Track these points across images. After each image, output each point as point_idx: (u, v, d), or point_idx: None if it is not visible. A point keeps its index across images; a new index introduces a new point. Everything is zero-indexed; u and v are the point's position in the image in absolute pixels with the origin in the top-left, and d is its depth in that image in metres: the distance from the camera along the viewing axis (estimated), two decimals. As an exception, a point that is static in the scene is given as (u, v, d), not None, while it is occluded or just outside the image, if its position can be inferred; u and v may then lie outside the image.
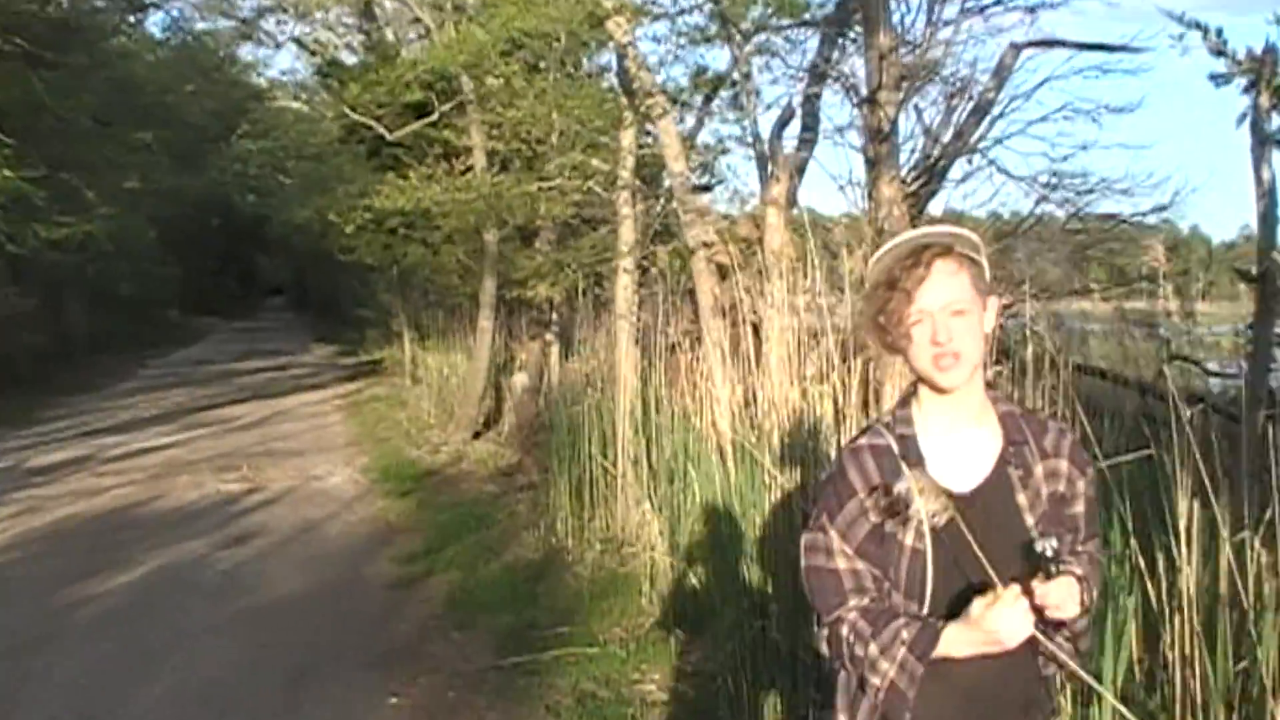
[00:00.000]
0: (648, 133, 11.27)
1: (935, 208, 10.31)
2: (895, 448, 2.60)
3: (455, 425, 15.47)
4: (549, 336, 15.24)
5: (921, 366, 2.52)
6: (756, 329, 7.83)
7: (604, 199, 11.25)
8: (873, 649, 2.49)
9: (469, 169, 14.32)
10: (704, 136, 13.55)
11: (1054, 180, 9.93)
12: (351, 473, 13.65)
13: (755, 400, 7.47)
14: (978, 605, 2.36)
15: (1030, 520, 2.52)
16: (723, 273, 9.26)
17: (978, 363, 2.53)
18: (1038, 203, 10.00)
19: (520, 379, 15.10)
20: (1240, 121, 5.96)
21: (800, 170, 9.44)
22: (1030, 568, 2.40)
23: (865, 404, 6.60)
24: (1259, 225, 5.81)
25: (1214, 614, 3.91)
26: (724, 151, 13.51)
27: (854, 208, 9.43)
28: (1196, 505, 4.08)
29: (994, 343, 8.46)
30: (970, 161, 9.76)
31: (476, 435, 15.10)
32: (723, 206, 13.30)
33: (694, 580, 6.93)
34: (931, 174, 9.44)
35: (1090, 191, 9.96)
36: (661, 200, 12.14)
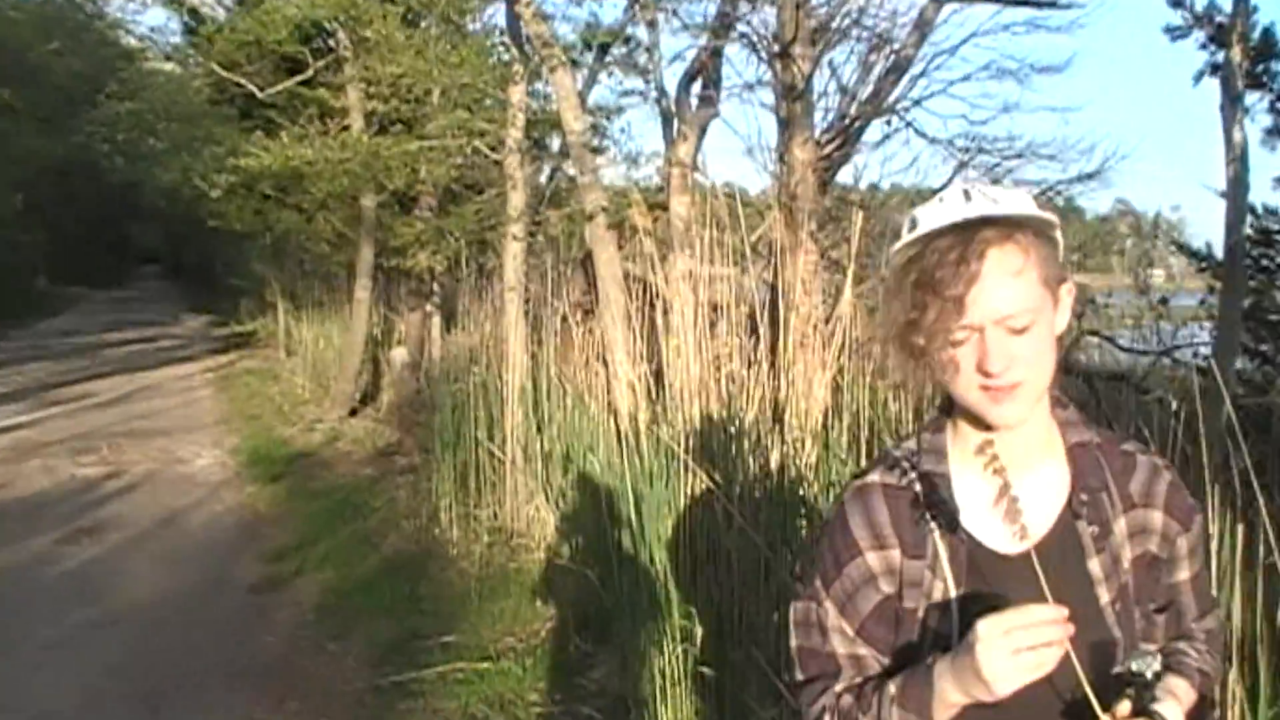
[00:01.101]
0: (542, 94, 10.60)
1: (848, 173, 9.77)
2: (919, 490, 1.90)
3: (331, 402, 14.65)
4: (430, 308, 14.59)
5: (964, 398, 1.81)
6: (654, 302, 7.19)
7: (491, 161, 10.48)
8: None
9: (346, 129, 13.49)
10: (598, 95, 12.84)
11: (975, 145, 9.35)
12: (219, 454, 12.74)
13: (662, 380, 6.80)
14: (982, 626, 1.66)
15: (1106, 597, 1.82)
16: (620, 241, 8.58)
17: (1045, 389, 1.83)
18: (958, 169, 9.40)
19: (399, 353, 14.35)
20: (1198, 79, 5.47)
21: (705, 129, 8.76)
22: (1105, 679, 1.72)
23: (775, 398, 6.01)
24: (1230, 191, 5.28)
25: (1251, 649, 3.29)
26: (619, 111, 12.81)
27: (763, 171, 8.77)
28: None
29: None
30: (889, 123, 9.12)
31: (353, 412, 14.31)
32: (620, 170, 12.56)
33: (596, 583, 6.21)
34: (846, 136, 8.80)
35: (1018, 156, 9.39)
36: (553, 164, 11.41)
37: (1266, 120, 8.16)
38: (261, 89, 14.04)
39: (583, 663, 5.97)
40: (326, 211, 16.25)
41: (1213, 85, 5.55)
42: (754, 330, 6.57)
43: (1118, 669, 1.72)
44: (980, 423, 1.83)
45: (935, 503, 1.86)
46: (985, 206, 1.74)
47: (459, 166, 11.57)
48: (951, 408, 1.91)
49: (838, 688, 1.91)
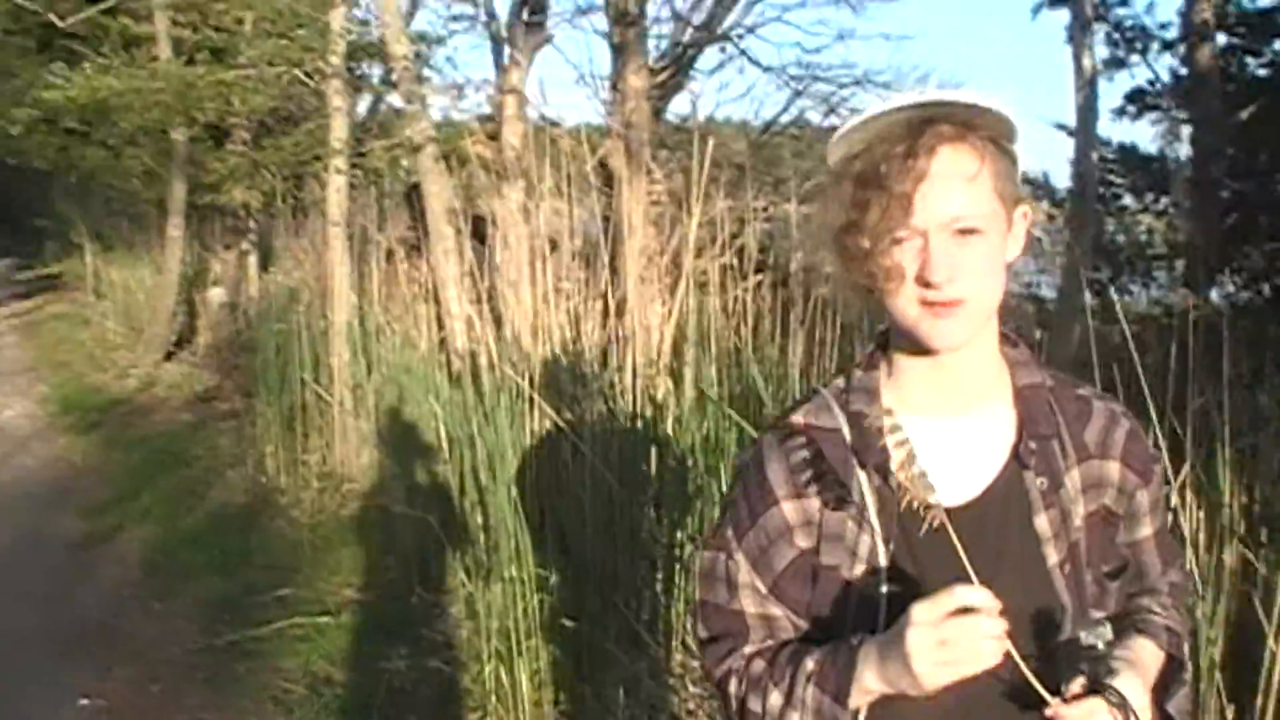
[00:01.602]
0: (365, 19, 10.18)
1: (682, 102, 9.59)
2: (846, 434, 1.68)
3: (145, 346, 14.00)
4: (246, 246, 13.99)
5: (903, 315, 1.59)
6: (481, 234, 6.94)
7: (311, 91, 10.04)
8: (774, 699, 1.63)
9: (154, 59, 12.82)
10: (425, 20, 12.41)
11: (809, 73, 9.21)
12: (28, 405, 12.10)
13: (496, 315, 6.55)
14: (916, 611, 1.47)
15: (1054, 558, 1.63)
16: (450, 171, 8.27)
17: (991, 311, 1.63)
18: (793, 97, 9.26)
19: (216, 293, 13.84)
20: (1036, 11, 5.38)
21: (534, 56, 8.46)
22: (1051, 650, 1.56)
23: (606, 317, 5.81)
24: (1078, 118, 5.18)
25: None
26: (447, 36, 12.38)
27: (595, 99, 8.50)
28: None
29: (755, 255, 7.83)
30: (723, 50, 8.92)
31: (169, 356, 13.69)
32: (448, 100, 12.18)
33: (438, 530, 5.95)
34: (680, 64, 8.59)
35: (855, 84, 9.28)
36: (376, 95, 11.00)
37: (1104, 52, 8.22)
38: (62, 18, 13.26)
39: (428, 614, 5.74)
40: (135, 147, 15.53)
41: (1049, 19, 5.49)
42: (591, 264, 6.38)
43: (1065, 637, 1.56)
44: (919, 353, 1.62)
45: (864, 448, 1.65)
46: (938, 95, 1.55)
47: (276, 97, 11.06)
48: (887, 343, 1.71)
49: (747, 650, 1.71)
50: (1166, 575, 1.78)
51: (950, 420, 1.66)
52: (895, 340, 1.68)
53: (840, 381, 1.74)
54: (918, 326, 1.57)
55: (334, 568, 6.52)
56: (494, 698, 4.66)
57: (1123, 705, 1.46)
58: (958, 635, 1.43)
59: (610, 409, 5.37)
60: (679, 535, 4.96)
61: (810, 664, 1.61)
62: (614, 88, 8.05)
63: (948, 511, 1.58)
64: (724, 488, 5.09)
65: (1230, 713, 3.13)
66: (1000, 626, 1.44)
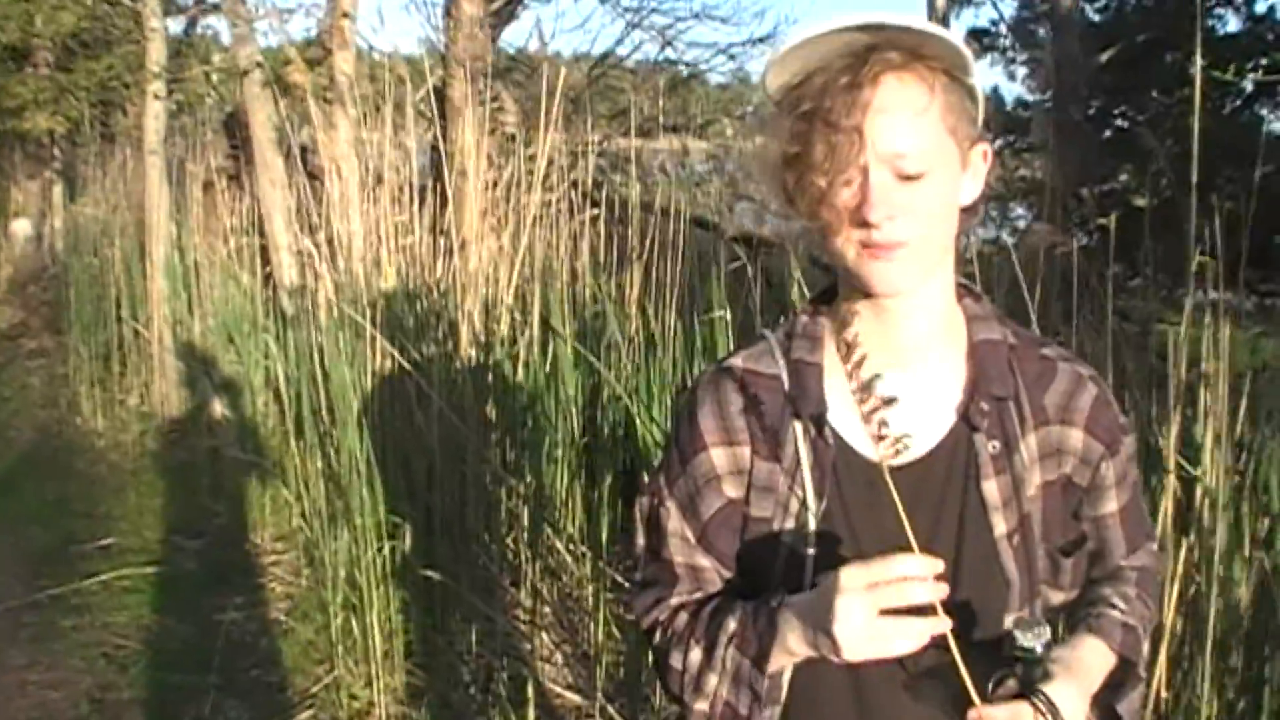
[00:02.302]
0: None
1: (516, 33, 9.34)
2: (786, 381, 1.56)
3: (-59, 280, 13.34)
4: (50, 175, 13.33)
5: (840, 255, 1.46)
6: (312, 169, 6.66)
7: (123, 11, 9.54)
8: (694, 656, 1.54)
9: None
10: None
11: (646, 4, 9.05)
12: None
13: (326, 249, 6.28)
14: (845, 575, 1.34)
15: (1002, 528, 1.50)
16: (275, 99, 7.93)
17: (940, 256, 1.49)
18: (628, 29, 9.09)
19: (21, 225, 13.24)
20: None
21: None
22: (993, 631, 1.45)
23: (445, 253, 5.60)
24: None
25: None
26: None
27: (428, 26, 8.23)
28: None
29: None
30: (559, -21, 8.71)
31: (-31, 292, 13.04)
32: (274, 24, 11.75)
33: (276, 476, 5.70)
34: (515, -9, 8.37)
35: (693, 18, 9.14)
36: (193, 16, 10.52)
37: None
38: None
39: (264, 561, 5.54)
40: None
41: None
42: (424, 199, 6.16)
43: (1009, 615, 1.46)
44: (863, 297, 1.49)
45: (800, 396, 1.53)
46: (881, 17, 1.37)
47: (84, 17, 10.51)
48: (833, 292, 1.58)
49: (673, 601, 1.61)
50: (1133, 558, 1.64)
51: (896, 374, 1.51)
52: (841, 284, 1.55)
53: (786, 325, 1.62)
54: (857, 269, 1.44)
55: (159, 514, 6.25)
56: (341, 648, 4.47)
57: (1052, 713, 1.36)
58: (890, 600, 1.31)
59: (454, 348, 5.18)
60: (528, 478, 4.82)
61: (732, 624, 1.50)
62: (447, 14, 7.79)
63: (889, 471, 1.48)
64: (571, 426, 4.99)
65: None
66: (938, 593, 1.32)
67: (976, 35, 7.79)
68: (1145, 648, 1.63)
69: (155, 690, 4.55)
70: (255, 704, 4.46)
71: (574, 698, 4.19)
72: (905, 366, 1.52)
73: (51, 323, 10.31)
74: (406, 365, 4.91)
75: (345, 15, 6.99)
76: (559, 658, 4.44)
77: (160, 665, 4.70)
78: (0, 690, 4.63)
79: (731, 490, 1.56)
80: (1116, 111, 6.82)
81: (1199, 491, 3.06)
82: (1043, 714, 1.32)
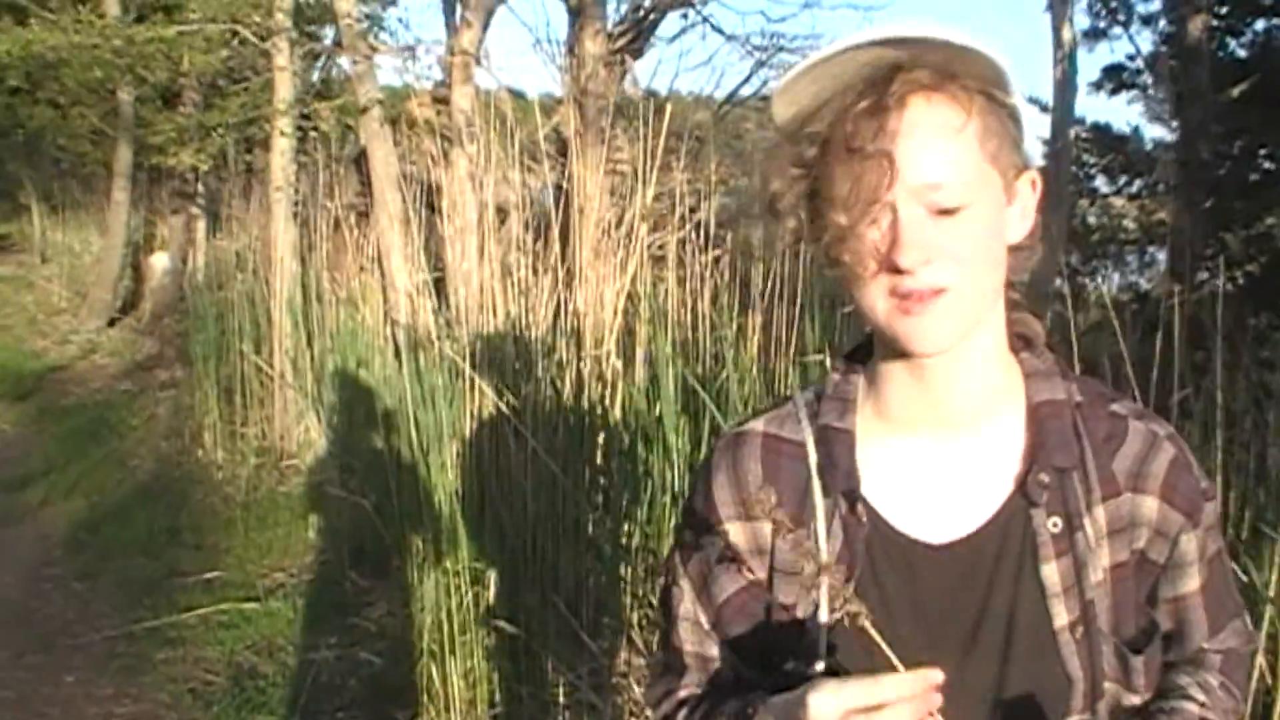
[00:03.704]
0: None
1: (644, 69, 9.30)
2: (812, 450, 1.38)
3: (88, 311, 13.65)
4: (194, 210, 13.64)
5: (871, 310, 1.26)
6: (434, 203, 6.63)
7: (258, 51, 9.67)
8: None
9: (101, 17, 12.44)
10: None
11: (774, 43, 8.92)
12: (-38, 370, 11.68)
13: (444, 288, 6.25)
14: (814, 700, 1.17)
15: (1063, 618, 1.30)
16: (397, 137, 7.95)
17: (987, 305, 1.29)
18: (756, 67, 8.97)
19: (159, 258, 13.49)
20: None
21: (488, 18, 8.13)
22: None
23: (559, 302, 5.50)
24: (1055, 93, 4.89)
25: None
26: (393, 1, 12.07)
27: (551, 65, 8.19)
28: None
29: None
30: (685, 17, 8.60)
31: (112, 322, 13.37)
32: (398, 62, 11.88)
33: (371, 512, 5.64)
34: (640, 29, 8.29)
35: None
36: (326, 55, 10.65)
37: (1085, 22, 7.92)
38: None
39: (359, 600, 5.46)
40: (84, 106, 15.14)
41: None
42: (543, 236, 6.08)
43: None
44: (900, 357, 1.30)
45: (829, 467, 1.34)
46: (903, 30, 1.19)
47: (226, 58, 10.71)
48: (871, 344, 1.39)
49: (680, 694, 1.44)
50: (1217, 640, 1.42)
51: (941, 442, 1.34)
52: (876, 341, 1.36)
53: (815, 386, 1.44)
54: (891, 325, 1.24)
55: (266, 549, 6.23)
56: (425, 695, 4.37)
57: None
58: (865, 700, 1.14)
59: (556, 391, 5.07)
60: (626, 527, 4.68)
61: None
62: (571, 53, 7.74)
63: (930, 549, 1.30)
64: (676, 474, 4.82)
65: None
66: (928, 702, 1.14)
67: (1112, 72, 7.49)
68: None
69: (237, 729, 4.50)
70: (336, 748, 4.40)
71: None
72: (952, 433, 1.34)
73: (183, 355, 10.45)
74: (503, 407, 4.82)
75: (464, 53, 6.97)
76: (646, 718, 4.28)
77: (245, 703, 4.66)
78: (84, 721, 4.63)
79: (755, 571, 1.38)
80: (1263, 151, 6.47)
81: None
82: None
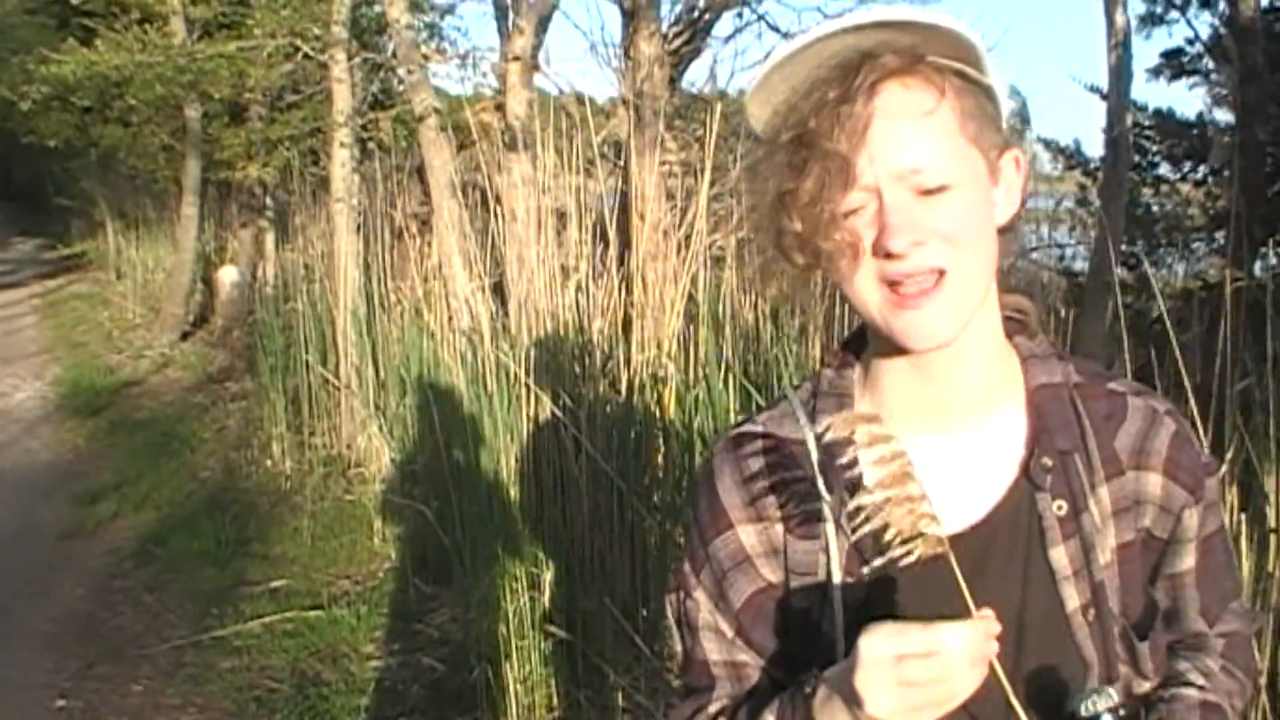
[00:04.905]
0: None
1: (699, 70, 9.25)
2: (813, 448, 1.35)
3: (161, 326, 13.81)
4: (263, 223, 13.81)
5: (865, 304, 1.25)
6: (498, 210, 6.63)
7: (318, 65, 9.73)
8: None
9: (165, 34, 12.60)
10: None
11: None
12: (40, 386, 11.82)
13: (502, 295, 6.26)
14: (865, 644, 1.14)
15: (1075, 601, 1.28)
16: (459, 145, 7.97)
17: (982, 290, 1.26)
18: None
19: (228, 272, 13.62)
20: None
21: (544, 23, 8.12)
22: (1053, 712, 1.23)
23: (626, 313, 5.48)
24: (1110, 80, 4.82)
25: None
26: (450, 9, 12.09)
27: (606, 68, 8.16)
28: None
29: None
30: (740, 16, 8.52)
31: (185, 336, 13.51)
32: (454, 71, 11.91)
33: (432, 519, 5.66)
34: (695, 29, 8.23)
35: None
36: (382, 65, 10.69)
37: (1140, 8, 7.78)
38: (78, -4, 13.07)
39: (423, 607, 5.48)
40: (154, 125, 15.35)
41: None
42: (603, 239, 6.07)
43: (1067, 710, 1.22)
44: (897, 351, 1.28)
45: (831, 467, 1.31)
46: (866, 16, 1.17)
47: (289, 73, 10.80)
48: (864, 340, 1.38)
49: (712, 709, 1.40)
50: (1219, 623, 1.40)
51: (943, 433, 1.32)
52: (870, 334, 1.34)
53: (810, 383, 1.42)
54: (887, 322, 1.23)
55: (331, 558, 6.27)
56: (485, 701, 4.37)
57: None
58: (923, 675, 1.11)
59: (613, 393, 5.06)
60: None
61: (770, 717, 1.29)
62: (626, 55, 7.72)
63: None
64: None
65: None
66: (983, 659, 1.12)
67: (1171, 57, 7.36)
68: None
69: (300, 737, 4.53)
70: (397, 754, 4.42)
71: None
72: (953, 426, 1.32)
73: (253, 367, 10.54)
74: (558, 412, 4.81)
75: (516, 58, 6.98)
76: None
77: (308, 710, 4.69)
78: (151, 731, 4.69)
79: (770, 574, 1.36)
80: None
81: None
82: None
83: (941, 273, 1.20)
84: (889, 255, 1.19)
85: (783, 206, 1.24)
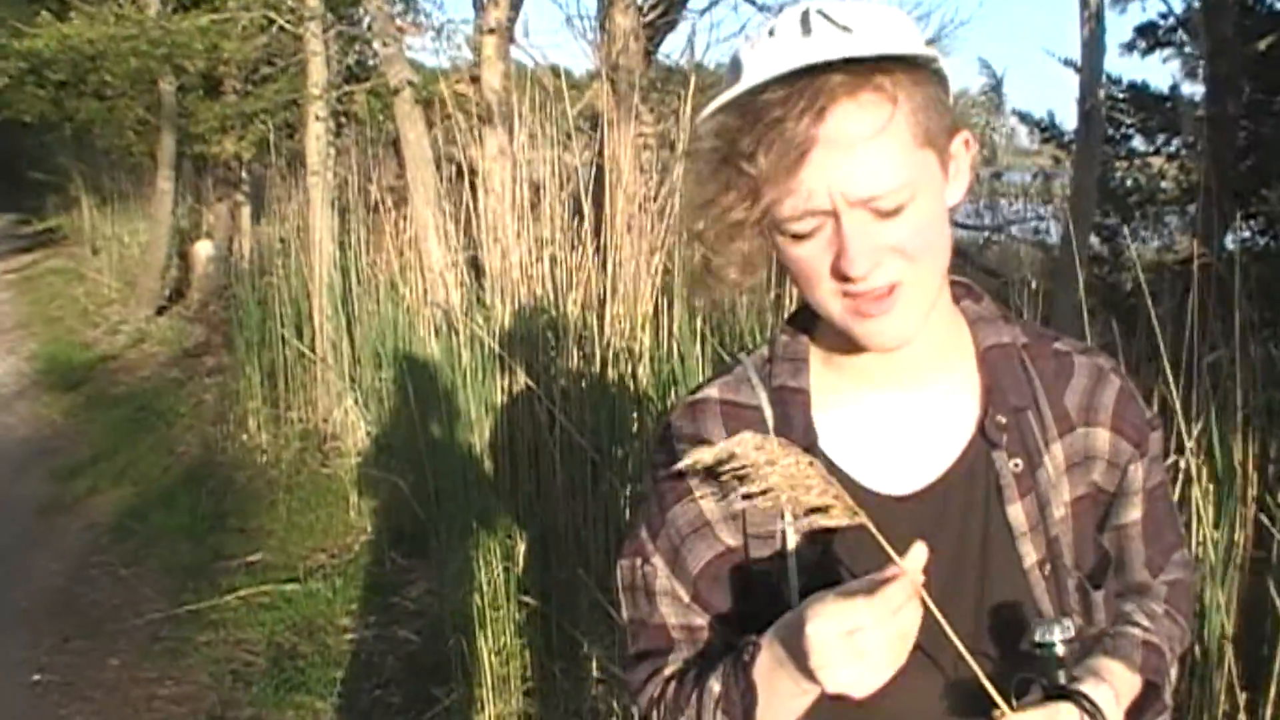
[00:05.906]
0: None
1: (674, 42, 9.22)
2: (768, 412, 1.38)
3: (137, 301, 13.74)
4: (239, 198, 13.78)
5: (827, 312, 1.27)
6: (474, 183, 6.62)
7: (293, 37, 9.69)
8: None
9: (138, 7, 12.51)
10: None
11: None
12: (15, 362, 11.82)
13: (477, 268, 6.25)
14: (811, 609, 1.16)
15: (1031, 556, 1.30)
16: (431, 118, 7.95)
17: (937, 284, 1.29)
18: (790, 36, 8.85)
19: (204, 246, 13.59)
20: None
21: (519, -4, 8.11)
22: (1011, 656, 1.26)
23: (601, 286, 5.48)
24: (1084, 52, 4.84)
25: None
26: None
27: (582, 40, 8.14)
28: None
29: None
30: (716, -12, 8.53)
31: (161, 311, 13.44)
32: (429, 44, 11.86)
33: (407, 492, 5.67)
34: (671, 2, 8.22)
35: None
36: (357, 38, 10.64)
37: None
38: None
39: (399, 579, 5.50)
40: (128, 98, 15.24)
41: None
42: (578, 212, 6.07)
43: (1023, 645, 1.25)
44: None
45: (786, 428, 1.34)
46: (831, 43, 1.16)
47: (264, 46, 10.73)
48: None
49: (667, 671, 1.42)
50: (1162, 572, 1.44)
51: (897, 395, 1.35)
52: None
53: (764, 351, 1.44)
54: (849, 327, 1.26)
55: (308, 531, 6.28)
56: (459, 672, 4.39)
57: (1094, 713, 1.17)
58: (866, 619, 1.12)
59: (586, 366, 5.07)
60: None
61: (715, 685, 1.32)
62: (602, 28, 7.71)
63: (896, 500, 1.31)
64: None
65: (1243, 699, 2.84)
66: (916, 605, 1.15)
67: (1145, 31, 7.37)
68: (1174, 671, 1.43)
69: (276, 709, 4.56)
70: (371, 726, 4.43)
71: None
72: (907, 387, 1.35)
73: (229, 341, 10.51)
74: (531, 384, 4.82)
75: (492, 31, 6.96)
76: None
77: (284, 684, 4.70)
78: (129, 703, 4.72)
79: (729, 537, 1.38)
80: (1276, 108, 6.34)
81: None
82: (1088, 713, 1.16)
83: (897, 284, 1.22)
84: (848, 277, 1.20)
85: (699, 211, 1.26)
